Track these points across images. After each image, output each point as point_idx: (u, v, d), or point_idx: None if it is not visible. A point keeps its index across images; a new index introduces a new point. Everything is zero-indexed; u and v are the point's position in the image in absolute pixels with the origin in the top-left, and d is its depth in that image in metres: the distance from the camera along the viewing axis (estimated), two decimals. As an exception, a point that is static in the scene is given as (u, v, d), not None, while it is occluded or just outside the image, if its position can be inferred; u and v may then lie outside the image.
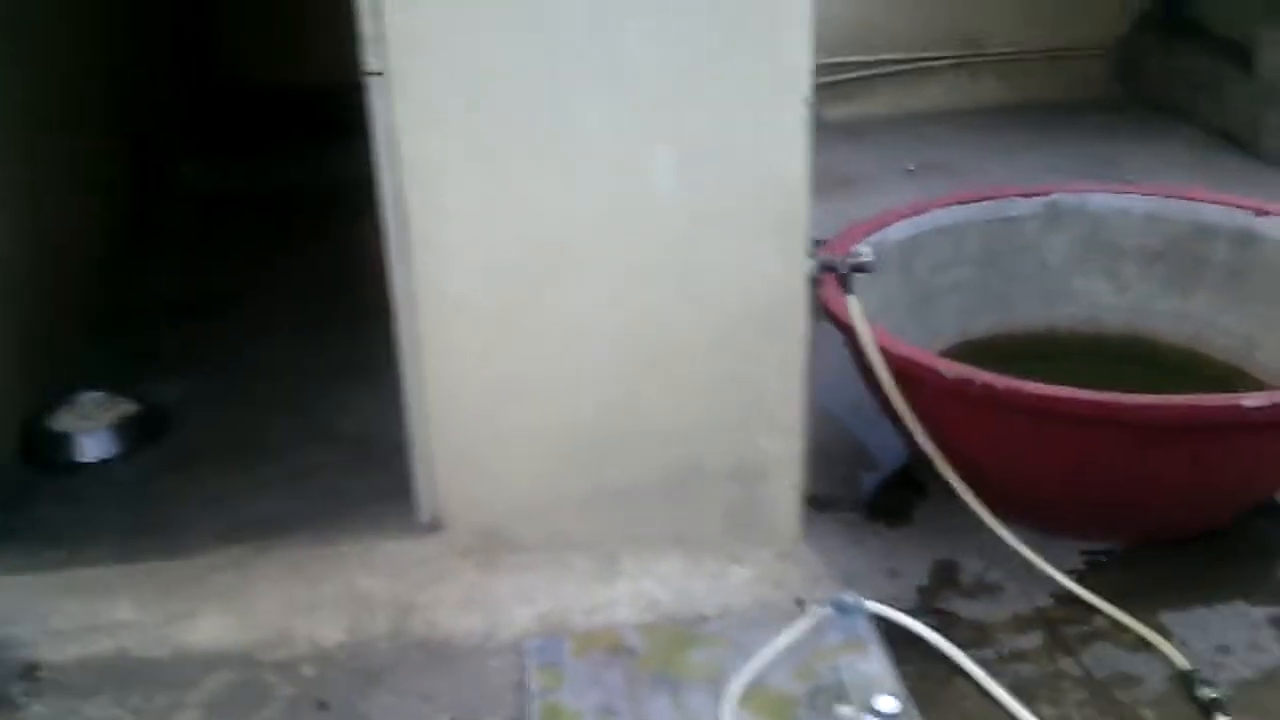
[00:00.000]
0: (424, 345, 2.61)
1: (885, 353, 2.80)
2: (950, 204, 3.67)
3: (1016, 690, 2.48)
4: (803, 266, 2.58)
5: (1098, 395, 2.53)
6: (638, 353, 2.65)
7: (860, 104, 6.69)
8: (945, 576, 2.89)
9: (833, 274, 2.81)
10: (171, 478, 3.31)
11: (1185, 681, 2.49)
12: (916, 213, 3.63)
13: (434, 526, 2.84)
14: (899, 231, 3.56)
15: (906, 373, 2.79)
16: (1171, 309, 3.59)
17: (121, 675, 2.56)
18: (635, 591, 2.80)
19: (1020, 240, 3.70)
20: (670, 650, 2.59)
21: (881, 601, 2.74)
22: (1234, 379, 3.40)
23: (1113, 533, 2.95)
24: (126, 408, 3.50)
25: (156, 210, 5.14)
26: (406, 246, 2.50)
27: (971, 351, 3.63)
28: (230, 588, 2.79)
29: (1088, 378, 3.29)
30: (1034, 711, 2.42)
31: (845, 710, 2.32)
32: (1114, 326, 3.67)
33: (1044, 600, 2.77)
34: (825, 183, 5.66)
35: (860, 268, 2.81)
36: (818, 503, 3.13)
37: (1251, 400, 2.45)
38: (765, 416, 2.74)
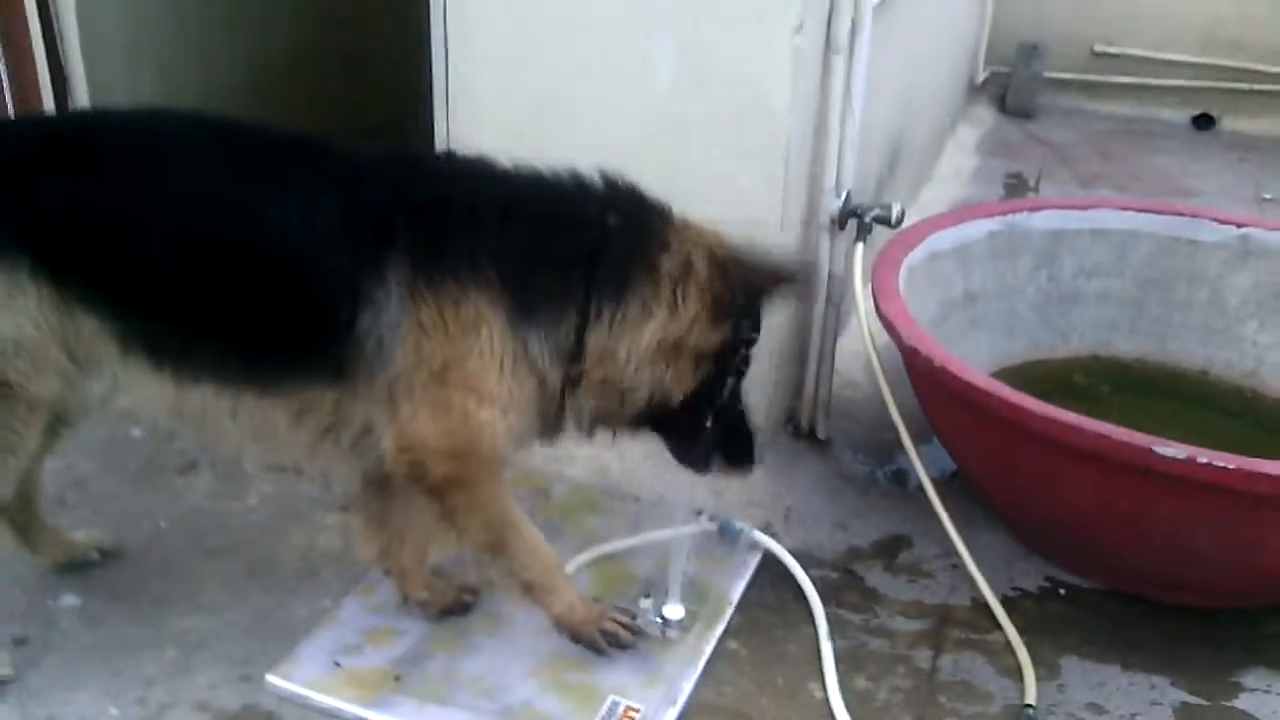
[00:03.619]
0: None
1: (880, 313, 2.78)
2: (1124, 208, 3.42)
3: (849, 657, 2.48)
4: (778, 190, 2.64)
5: (1047, 410, 2.39)
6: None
7: (1270, 120, 6.00)
8: (887, 548, 2.86)
9: (856, 220, 2.82)
10: None
11: (1015, 715, 2.36)
12: (1077, 206, 3.42)
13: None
14: (1049, 220, 3.38)
15: (891, 332, 2.76)
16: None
17: None
18: (592, 457, 2.99)
19: (1198, 268, 3.37)
20: (579, 508, 2.85)
21: (807, 547, 2.81)
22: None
23: (1088, 568, 2.74)
24: None
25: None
26: (447, 101, 2.85)
27: (1103, 370, 3.42)
28: None
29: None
30: (847, 680, 2.42)
31: (645, 603, 2.47)
32: (1276, 391, 3.26)
33: (959, 601, 2.68)
34: (1156, 188, 5.27)
35: (882, 220, 2.80)
36: (827, 445, 3.18)
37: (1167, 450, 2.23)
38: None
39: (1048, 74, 6.18)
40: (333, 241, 1.99)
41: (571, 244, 2.10)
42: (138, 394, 2.10)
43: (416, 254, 1.99)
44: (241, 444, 2.17)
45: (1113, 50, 6.22)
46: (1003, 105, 6.23)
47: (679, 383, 2.18)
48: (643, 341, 2.12)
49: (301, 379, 2.06)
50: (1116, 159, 5.61)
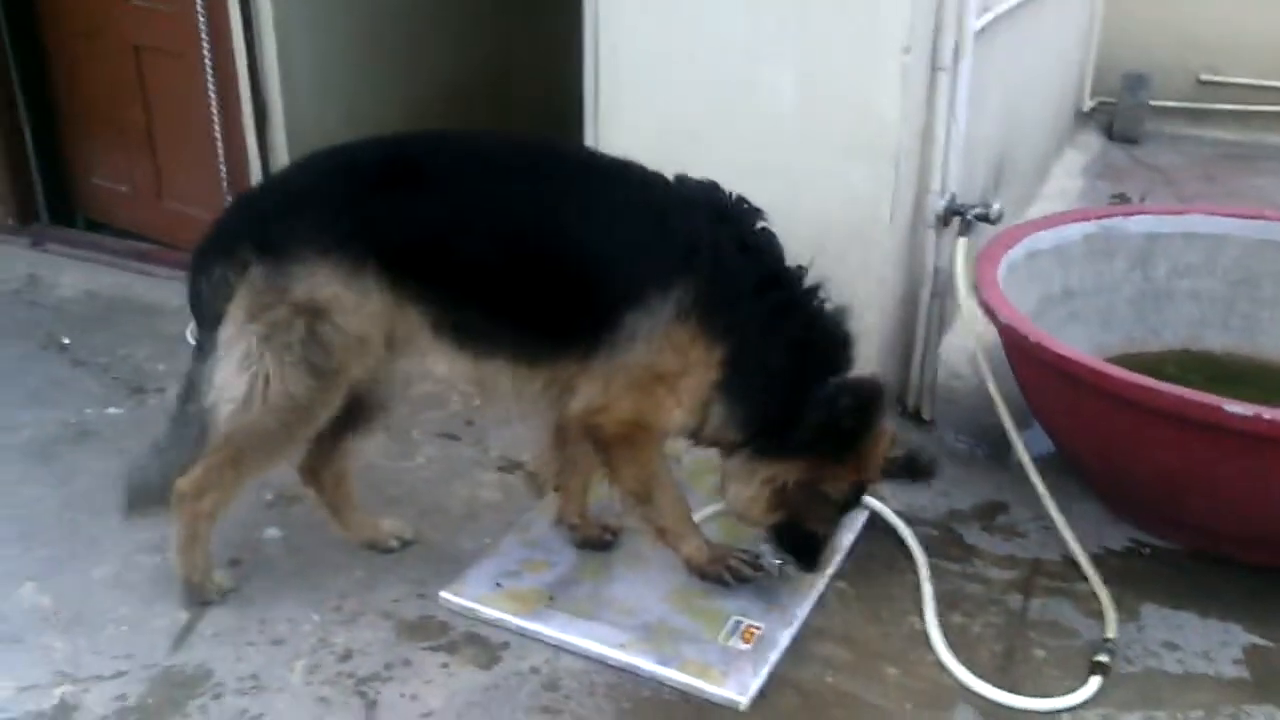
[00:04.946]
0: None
1: (981, 300, 3.09)
2: (1213, 213, 3.67)
3: (946, 597, 2.78)
4: (888, 190, 2.98)
5: (1126, 375, 2.68)
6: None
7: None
8: (984, 512, 3.15)
9: (959, 218, 3.15)
10: None
11: (1097, 646, 2.63)
12: (1170, 211, 3.69)
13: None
14: (1143, 224, 3.66)
15: (990, 315, 3.06)
16: None
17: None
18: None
19: (1286, 268, 3.60)
20: (705, 471, 3.20)
21: (910, 509, 3.12)
22: None
23: (1173, 529, 2.99)
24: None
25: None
26: (596, 113, 3.28)
27: (1194, 362, 3.66)
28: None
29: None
30: (943, 617, 2.72)
31: (764, 547, 2.81)
32: (1364, 380, 3.47)
33: (1050, 556, 2.96)
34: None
35: (983, 217, 3.12)
36: (931, 425, 3.49)
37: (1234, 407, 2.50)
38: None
39: (1154, 102, 6.39)
40: (639, 254, 2.40)
41: (788, 391, 2.49)
42: (442, 368, 2.55)
43: (702, 291, 2.39)
44: (505, 400, 2.61)
45: (1218, 79, 6.42)
46: (1110, 133, 6.46)
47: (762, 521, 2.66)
48: (743, 494, 2.61)
49: (561, 357, 2.48)
50: (1219, 181, 5.80)
